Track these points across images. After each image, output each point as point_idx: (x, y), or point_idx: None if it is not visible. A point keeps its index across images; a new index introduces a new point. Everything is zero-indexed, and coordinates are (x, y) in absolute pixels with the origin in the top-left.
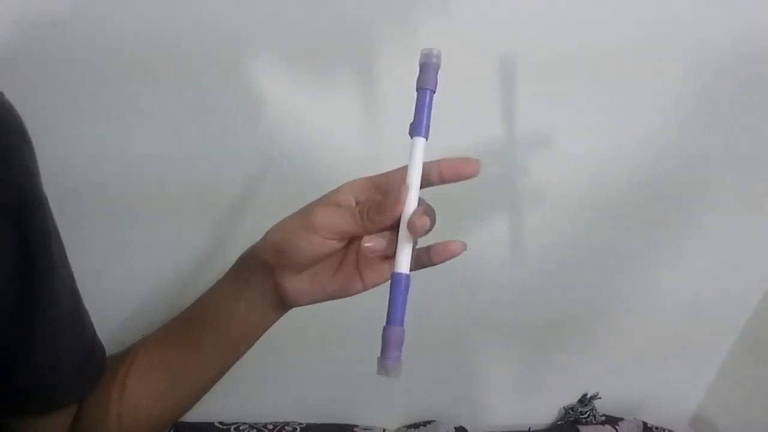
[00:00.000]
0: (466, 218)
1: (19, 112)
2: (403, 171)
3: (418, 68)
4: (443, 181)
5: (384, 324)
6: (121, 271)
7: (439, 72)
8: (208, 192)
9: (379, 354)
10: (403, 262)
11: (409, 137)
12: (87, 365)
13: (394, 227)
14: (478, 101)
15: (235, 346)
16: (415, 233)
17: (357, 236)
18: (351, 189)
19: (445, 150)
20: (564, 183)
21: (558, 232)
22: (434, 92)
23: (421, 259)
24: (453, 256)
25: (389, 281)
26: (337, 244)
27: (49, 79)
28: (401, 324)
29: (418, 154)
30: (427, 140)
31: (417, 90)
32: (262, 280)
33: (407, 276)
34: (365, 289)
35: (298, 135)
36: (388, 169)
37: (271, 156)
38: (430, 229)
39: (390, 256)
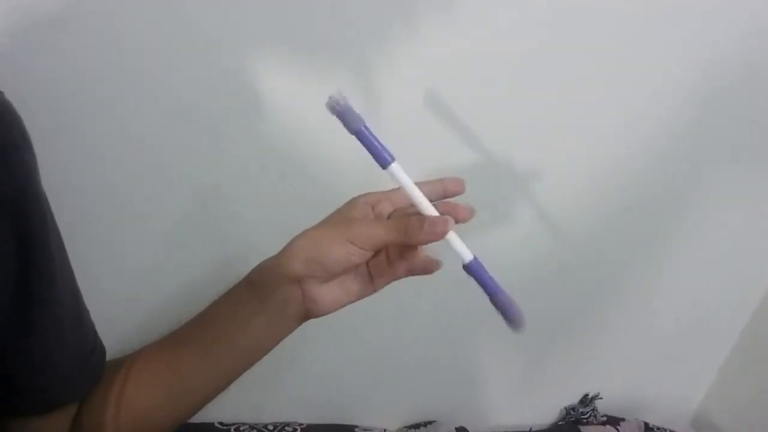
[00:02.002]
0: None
1: (19, 112)
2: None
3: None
4: (446, 195)
5: (489, 299)
6: (121, 273)
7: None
8: (208, 191)
9: (505, 323)
10: (464, 252)
11: (386, 169)
12: (86, 365)
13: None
14: (478, 101)
15: (248, 357)
16: (467, 219)
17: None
18: (366, 201)
19: (446, 147)
20: (563, 185)
21: (558, 233)
22: (365, 125)
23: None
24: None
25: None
26: (368, 254)
27: (49, 80)
28: (501, 290)
29: (404, 178)
30: (395, 160)
31: (352, 134)
32: (289, 292)
33: (474, 259)
34: (375, 290)
35: (298, 133)
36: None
37: (271, 155)
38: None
39: (400, 258)
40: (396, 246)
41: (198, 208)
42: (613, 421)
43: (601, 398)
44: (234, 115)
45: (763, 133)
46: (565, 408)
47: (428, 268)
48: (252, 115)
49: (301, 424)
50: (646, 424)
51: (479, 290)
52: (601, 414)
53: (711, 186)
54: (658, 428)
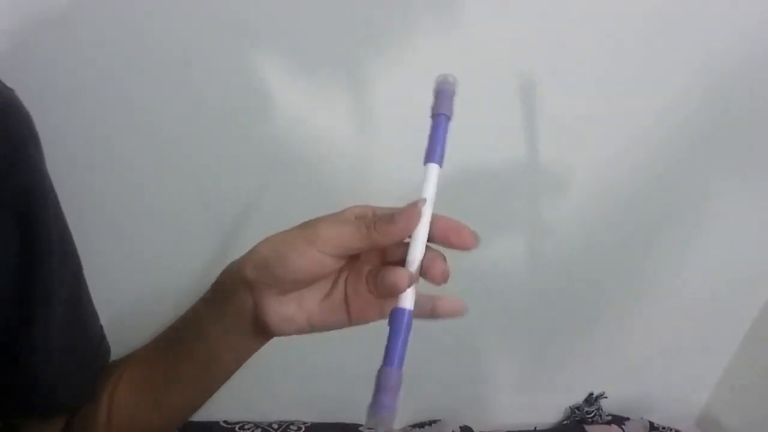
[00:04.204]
0: (470, 219)
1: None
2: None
3: (433, 93)
4: (432, 239)
5: (381, 365)
6: (123, 270)
7: (455, 98)
8: (211, 191)
9: (370, 399)
10: (407, 296)
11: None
12: (89, 370)
13: (399, 245)
14: (479, 105)
15: (211, 372)
16: (438, 281)
17: (358, 252)
18: (353, 212)
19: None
20: (568, 184)
21: (563, 233)
22: (450, 118)
23: (424, 308)
24: (457, 316)
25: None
26: (333, 264)
27: (56, 79)
28: (400, 366)
29: (432, 182)
30: (441, 167)
31: (432, 116)
32: (242, 299)
33: (410, 312)
34: (350, 324)
35: (300, 136)
36: (385, 169)
37: (272, 157)
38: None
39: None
40: (372, 258)
41: (200, 207)
42: (618, 420)
43: (606, 397)
44: (237, 117)
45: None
46: (569, 407)
47: (424, 308)
48: (255, 118)
49: (305, 423)
50: (652, 424)
51: (484, 290)
52: (606, 413)
53: (719, 186)
54: (664, 428)
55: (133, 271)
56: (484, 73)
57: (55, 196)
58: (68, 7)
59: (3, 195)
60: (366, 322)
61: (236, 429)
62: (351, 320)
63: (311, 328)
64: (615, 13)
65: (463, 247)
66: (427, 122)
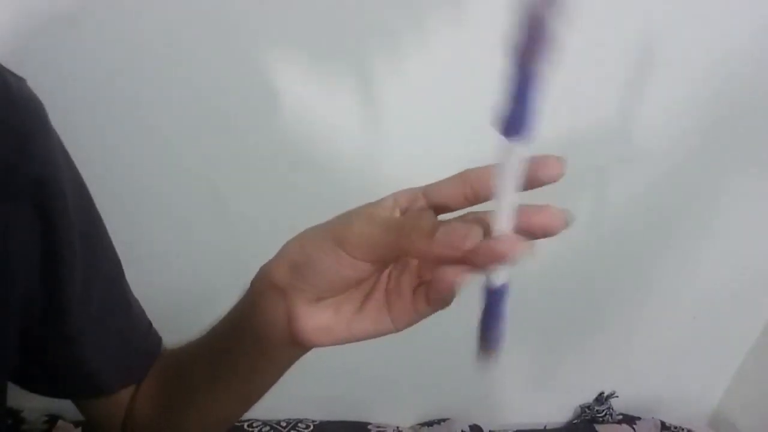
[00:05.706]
0: None
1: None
2: (456, 181)
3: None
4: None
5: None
6: (133, 261)
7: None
8: (218, 184)
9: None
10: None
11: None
12: (132, 353)
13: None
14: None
15: (240, 388)
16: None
17: (394, 258)
18: (395, 199)
19: (453, 151)
20: (578, 184)
21: (572, 229)
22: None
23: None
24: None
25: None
26: (367, 268)
27: (69, 76)
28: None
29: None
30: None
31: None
32: (273, 306)
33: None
34: (397, 329)
35: (307, 131)
36: (394, 166)
37: (281, 154)
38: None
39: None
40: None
41: (208, 199)
42: (629, 419)
43: (617, 396)
44: (246, 115)
45: None
46: (580, 406)
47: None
48: (262, 113)
49: (314, 421)
50: (663, 423)
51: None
52: (617, 413)
53: (730, 184)
54: (675, 427)
55: (139, 268)
56: (493, 72)
57: (80, 186)
58: (78, 4)
59: (16, 187)
60: (414, 323)
61: (245, 427)
62: (396, 325)
63: (352, 337)
64: (622, 9)
65: (548, 180)
66: (436, 119)
